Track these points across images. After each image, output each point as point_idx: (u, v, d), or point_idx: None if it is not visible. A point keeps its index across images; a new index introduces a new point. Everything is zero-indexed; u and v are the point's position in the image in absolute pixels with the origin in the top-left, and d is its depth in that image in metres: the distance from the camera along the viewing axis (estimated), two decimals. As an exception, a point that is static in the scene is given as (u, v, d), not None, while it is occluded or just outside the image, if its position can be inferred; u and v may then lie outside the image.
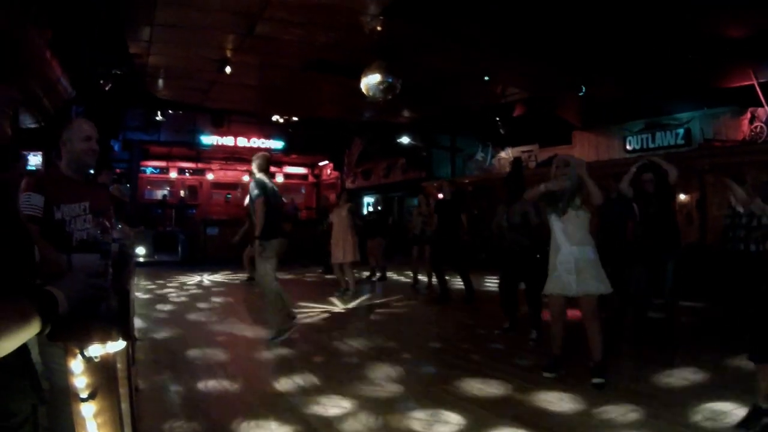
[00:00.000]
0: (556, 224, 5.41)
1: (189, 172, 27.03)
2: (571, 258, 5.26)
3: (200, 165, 26.69)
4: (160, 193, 26.02)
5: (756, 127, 12.28)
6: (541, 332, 7.01)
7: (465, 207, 10.76)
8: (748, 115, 12.36)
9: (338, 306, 10.00)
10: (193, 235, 19.12)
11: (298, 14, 9.53)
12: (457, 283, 10.68)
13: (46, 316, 1.35)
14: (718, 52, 10.23)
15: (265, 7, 9.18)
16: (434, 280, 10.61)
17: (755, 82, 11.10)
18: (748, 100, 11.80)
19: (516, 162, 9.97)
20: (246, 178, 26.73)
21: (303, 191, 29.72)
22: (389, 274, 14.08)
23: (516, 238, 7.36)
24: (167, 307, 9.85)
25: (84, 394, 1.87)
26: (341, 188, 23.84)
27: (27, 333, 1.31)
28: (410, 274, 12.84)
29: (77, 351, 1.79)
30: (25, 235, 1.52)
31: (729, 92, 11.81)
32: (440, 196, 11.13)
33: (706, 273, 8.31)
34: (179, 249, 18.83)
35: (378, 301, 10.72)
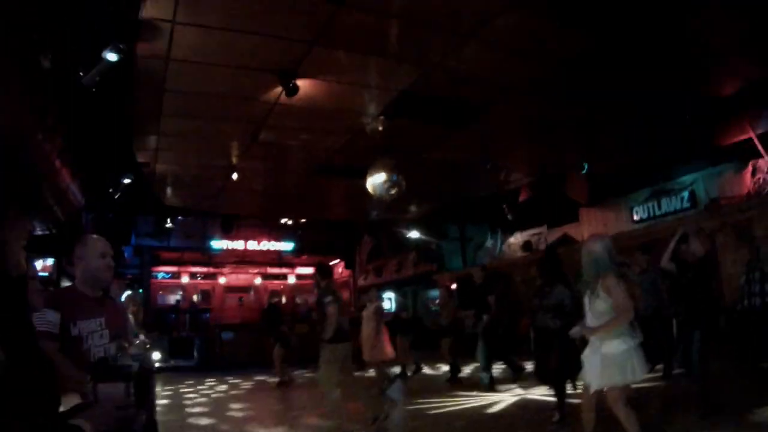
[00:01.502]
0: (587, 313, 5.13)
1: (201, 277, 27.06)
2: (598, 352, 4.89)
3: (212, 269, 26.73)
4: (172, 298, 25.95)
5: (759, 179, 12.24)
6: (564, 415, 6.77)
7: (497, 290, 10.81)
8: (750, 168, 12.36)
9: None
10: (209, 339, 19.00)
11: (300, 120, 9.78)
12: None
13: None
14: (715, 110, 10.43)
15: (268, 115, 9.45)
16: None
17: (753, 134, 11.21)
18: (748, 153, 11.88)
19: (549, 248, 9.96)
20: (258, 281, 26.87)
21: (316, 291, 29.51)
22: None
23: (547, 321, 7.25)
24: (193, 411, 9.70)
25: None
26: (354, 286, 23.80)
27: None
28: (439, 366, 12.76)
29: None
30: (47, 366, 1.57)
31: (729, 149, 11.93)
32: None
33: (727, 333, 7.99)
34: (195, 353, 18.68)
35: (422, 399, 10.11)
